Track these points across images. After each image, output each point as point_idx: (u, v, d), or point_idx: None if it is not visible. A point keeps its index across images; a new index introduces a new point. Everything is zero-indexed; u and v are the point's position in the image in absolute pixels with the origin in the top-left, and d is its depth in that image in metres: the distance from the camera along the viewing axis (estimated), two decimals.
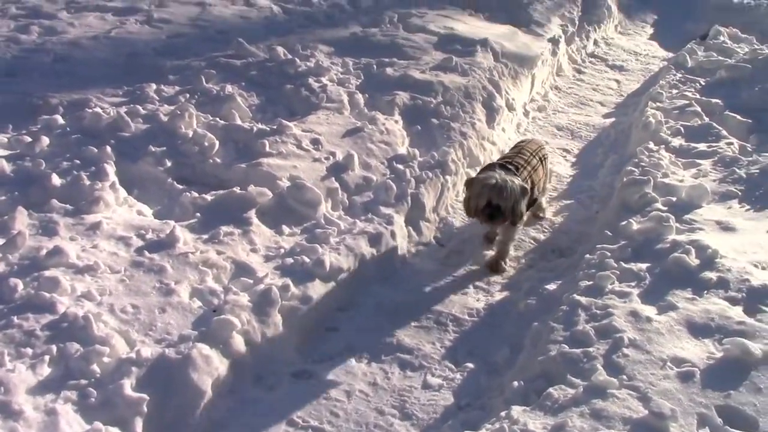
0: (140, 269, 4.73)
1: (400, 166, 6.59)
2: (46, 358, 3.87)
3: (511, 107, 9.07)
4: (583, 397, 3.64)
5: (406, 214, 6.20)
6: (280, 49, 8.85)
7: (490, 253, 5.91)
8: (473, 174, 5.95)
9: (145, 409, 3.73)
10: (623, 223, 5.46)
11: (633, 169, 6.53)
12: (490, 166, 5.48)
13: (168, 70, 8.56)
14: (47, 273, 4.45)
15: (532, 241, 6.20)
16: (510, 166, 5.41)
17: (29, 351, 3.90)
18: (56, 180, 5.64)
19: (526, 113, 9.69)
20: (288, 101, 7.75)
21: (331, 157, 6.55)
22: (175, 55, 9.05)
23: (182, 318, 4.38)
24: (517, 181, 5.20)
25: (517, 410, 3.64)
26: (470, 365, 4.63)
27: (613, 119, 9.86)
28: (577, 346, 4.09)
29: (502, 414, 3.66)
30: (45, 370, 3.81)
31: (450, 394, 4.38)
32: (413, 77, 8.48)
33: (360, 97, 7.85)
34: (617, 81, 12.01)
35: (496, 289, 5.54)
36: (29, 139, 6.35)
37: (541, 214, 6.52)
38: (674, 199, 5.83)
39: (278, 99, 7.77)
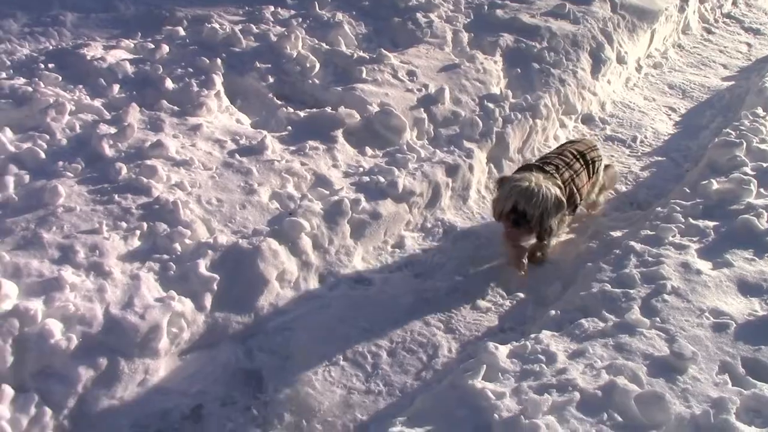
0: (229, 169, 5.27)
1: (491, 105, 6.81)
2: (137, 232, 4.48)
3: (621, 60, 8.98)
4: (611, 330, 3.86)
5: (489, 151, 6.44)
6: None
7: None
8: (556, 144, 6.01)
9: (215, 287, 4.27)
10: (704, 182, 5.49)
11: (730, 131, 6.48)
12: (528, 167, 4.88)
13: None
14: (148, 162, 5.07)
15: (612, 192, 6.30)
16: (548, 167, 4.85)
17: (124, 225, 4.53)
18: (169, 84, 6.28)
19: (638, 68, 9.55)
20: (393, 33, 8.07)
21: (424, 89, 6.84)
22: None
23: (259, 215, 4.89)
24: (554, 190, 4.56)
25: (546, 334, 3.91)
26: (521, 295, 4.90)
27: (732, 83, 9.55)
28: (620, 287, 4.29)
29: (532, 336, 3.95)
30: (135, 243, 4.43)
31: (496, 318, 4.69)
32: (522, 20, 8.57)
33: (464, 36, 8.05)
34: (748, 44, 11.52)
35: (563, 230, 5.72)
36: (152, 47, 7.02)
37: (592, 211, 5.87)
38: (765, 165, 5.78)
39: (384, 30, 8.10)
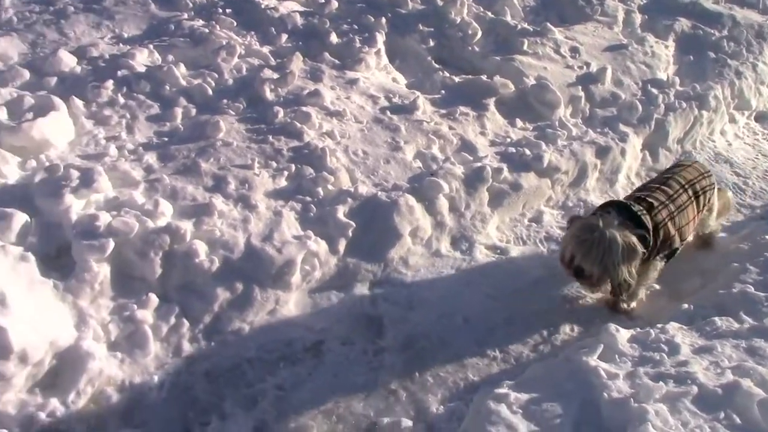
0: (379, 124, 5.43)
1: (654, 90, 6.55)
2: (285, 173, 4.74)
3: None
4: (746, 333, 3.67)
5: (646, 137, 6.22)
6: None
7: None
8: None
9: (350, 233, 4.45)
10: None
11: None
12: (611, 204, 4.06)
13: None
14: (304, 108, 5.32)
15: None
16: (638, 206, 3.98)
17: (274, 164, 4.80)
18: (334, 38, 6.53)
19: None
20: (561, 8, 7.92)
21: (585, 67, 6.70)
22: None
23: (401, 171, 5.02)
24: (624, 240, 3.71)
25: (673, 325, 3.78)
26: (656, 286, 4.74)
27: None
28: (764, 291, 4.06)
29: (658, 325, 3.84)
30: (281, 182, 4.69)
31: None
32: (703, 6, 8.15)
33: (637, 17, 7.77)
34: None
35: None
36: (322, 1, 7.29)
37: (708, 241, 4.99)
38: None
39: (553, 5, 7.97)
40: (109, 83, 5.46)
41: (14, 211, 3.95)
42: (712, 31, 7.73)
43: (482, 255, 4.84)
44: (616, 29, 7.54)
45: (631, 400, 3.02)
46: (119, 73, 5.62)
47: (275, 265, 4.08)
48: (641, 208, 3.94)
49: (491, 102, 5.95)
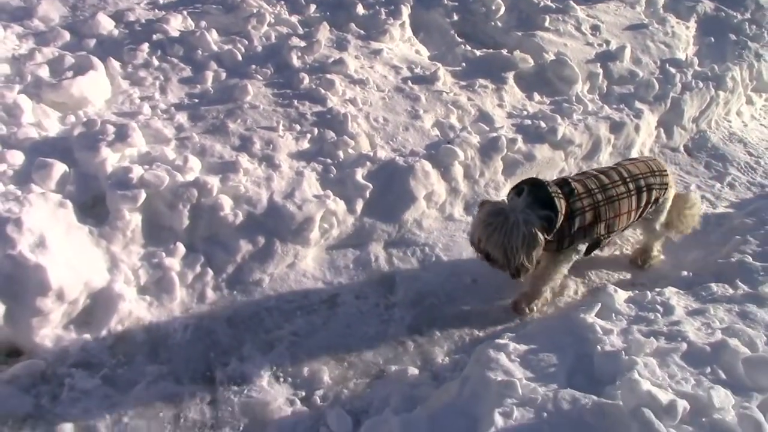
0: (400, 94, 5.60)
1: (672, 69, 6.64)
2: (308, 136, 4.94)
3: None
4: (739, 298, 3.83)
5: (662, 115, 6.32)
6: None
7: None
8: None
9: (368, 195, 4.64)
10: None
11: None
12: (530, 182, 3.78)
13: None
14: (329, 76, 5.50)
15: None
16: (564, 188, 3.81)
17: (297, 127, 5.00)
18: (360, 9, 6.68)
19: None
20: None
21: (605, 45, 6.79)
22: None
23: (419, 139, 5.19)
24: (531, 226, 3.56)
25: (671, 290, 3.94)
26: (662, 257, 4.88)
27: None
28: (762, 261, 4.20)
29: (656, 289, 3.99)
30: (304, 144, 4.88)
31: (629, 274, 4.71)
32: None
33: None
34: None
35: (722, 204, 5.58)
36: None
37: (644, 264, 4.69)
38: None
39: None
40: (145, 46, 5.68)
41: (54, 162, 4.19)
42: (735, 14, 7.76)
43: None
44: (638, 9, 7.60)
45: (623, 353, 3.19)
46: (154, 37, 5.84)
47: (295, 222, 4.28)
48: (558, 191, 3.73)
49: (510, 76, 6.08)
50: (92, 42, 5.74)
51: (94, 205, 4.21)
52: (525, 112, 5.79)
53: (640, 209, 4.12)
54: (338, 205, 4.49)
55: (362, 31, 6.35)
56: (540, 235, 3.57)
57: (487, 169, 5.14)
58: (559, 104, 5.95)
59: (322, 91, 5.32)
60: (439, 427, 2.97)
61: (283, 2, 6.85)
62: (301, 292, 4.19)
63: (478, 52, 6.41)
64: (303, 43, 5.88)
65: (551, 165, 5.49)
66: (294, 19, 6.49)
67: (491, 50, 6.46)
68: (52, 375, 3.52)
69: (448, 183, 4.95)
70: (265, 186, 4.43)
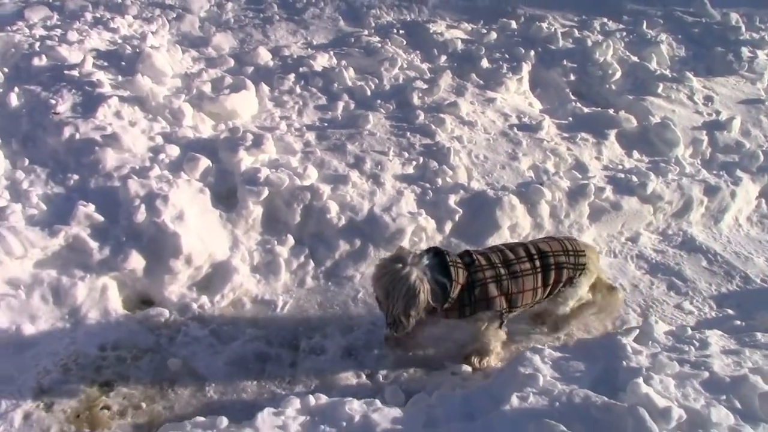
0: (504, 137, 6.14)
1: None
2: (414, 162, 5.57)
3: None
4: None
5: (764, 186, 6.38)
6: (734, 16, 9.12)
7: None
8: None
9: (457, 218, 5.16)
10: None
11: None
12: (434, 249, 3.80)
13: (626, 11, 9.63)
14: (441, 115, 6.15)
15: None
16: (465, 258, 3.84)
17: (406, 154, 5.66)
18: (485, 63, 7.33)
19: None
20: (710, 61, 8.22)
21: (714, 115, 6.99)
22: (638, 2, 10.04)
23: (513, 177, 5.68)
24: (418, 285, 3.54)
25: (714, 332, 4.11)
26: (729, 311, 5.02)
27: None
28: None
29: (703, 329, 4.23)
30: (409, 169, 5.52)
31: (693, 321, 4.91)
32: None
33: None
34: None
35: None
36: (484, 32, 8.13)
37: (557, 326, 4.49)
38: None
39: (702, 57, 8.31)
40: (291, 76, 6.60)
41: (202, 157, 5.08)
42: None
43: None
44: (759, 85, 7.73)
45: (643, 369, 3.52)
46: (301, 69, 6.76)
47: (389, 231, 4.89)
48: (458, 260, 3.77)
49: (612, 133, 6.44)
50: (250, 69, 6.74)
51: (227, 195, 5.04)
52: (621, 167, 6.13)
53: (548, 287, 3.98)
54: (429, 223, 5.05)
55: (481, 81, 6.97)
56: (422, 296, 3.56)
57: (572, 212, 5.52)
58: (657, 163, 6.23)
59: (433, 127, 5.96)
60: (469, 403, 3.43)
61: (418, 51, 7.63)
62: None
63: (586, 110, 6.83)
64: (425, 86, 6.58)
65: (638, 217, 5.77)
66: (424, 66, 7.22)
67: (599, 108, 6.86)
68: (172, 322, 4.29)
69: (533, 218, 5.39)
70: (369, 198, 5.08)
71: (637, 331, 3.97)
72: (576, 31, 8.36)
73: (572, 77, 7.40)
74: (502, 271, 3.83)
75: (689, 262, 5.60)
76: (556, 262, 3.95)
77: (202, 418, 3.26)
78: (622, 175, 5.94)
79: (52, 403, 3.65)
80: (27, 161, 5.05)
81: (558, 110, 6.95)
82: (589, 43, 7.90)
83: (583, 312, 4.34)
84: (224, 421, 3.20)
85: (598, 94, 7.31)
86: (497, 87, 6.87)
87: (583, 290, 4.13)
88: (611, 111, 6.73)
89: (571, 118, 6.70)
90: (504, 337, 4.08)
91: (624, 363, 3.63)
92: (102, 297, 4.26)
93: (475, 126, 6.18)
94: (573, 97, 7.14)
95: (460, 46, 7.73)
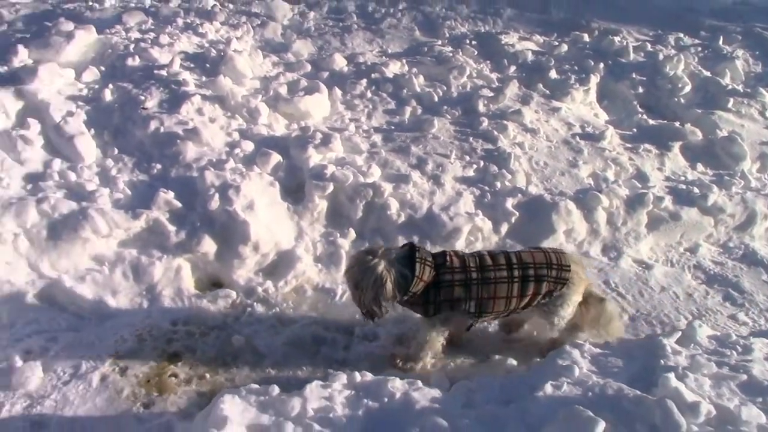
0: (566, 145, 6.24)
1: None
2: (474, 166, 5.74)
3: None
4: None
5: None
6: None
7: None
8: None
9: (513, 221, 5.30)
10: None
11: None
12: (409, 245, 3.89)
13: (704, 27, 9.54)
14: (505, 122, 6.30)
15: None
16: (438, 258, 3.86)
17: (467, 158, 5.84)
18: (553, 74, 7.43)
19: None
20: None
21: None
22: (718, 18, 9.91)
23: (571, 183, 5.77)
24: (384, 275, 3.67)
25: (761, 339, 4.11)
26: None
27: None
28: None
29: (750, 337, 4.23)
30: (469, 172, 5.69)
31: (746, 331, 4.86)
32: None
33: None
34: None
35: None
36: (556, 44, 8.22)
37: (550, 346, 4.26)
38: None
39: None
40: (363, 81, 6.88)
41: (273, 153, 5.40)
42: None
43: (627, 265, 5.40)
44: None
45: (679, 367, 3.59)
46: (373, 75, 7.03)
47: (446, 229, 5.07)
48: (428, 259, 3.81)
49: (677, 145, 6.45)
50: (326, 74, 7.05)
51: (295, 189, 5.33)
52: (683, 178, 6.13)
53: (525, 298, 3.91)
54: (485, 224, 5.20)
55: (548, 91, 7.07)
56: (389, 285, 3.67)
57: (630, 220, 5.57)
58: (721, 177, 6.20)
59: (496, 133, 6.11)
60: (506, 389, 3.57)
61: (488, 61, 7.80)
62: None
63: (651, 122, 6.85)
64: (491, 94, 6.74)
65: (698, 228, 5.76)
66: (493, 75, 7.39)
67: (664, 121, 6.86)
68: (239, 304, 4.57)
69: (589, 224, 5.47)
70: (428, 198, 5.28)
71: (680, 333, 4.02)
72: (649, 45, 8.36)
73: (641, 90, 7.41)
74: (474, 275, 3.83)
75: (749, 275, 5.56)
76: (536, 274, 3.90)
77: (256, 386, 3.51)
78: (684, 187, 5.94)
79: (126, 368, 3.97)
80: (116, 150, 5.48)
81: (624, 121, 6.99)
82: (661, 57, 7.89)
83: (573, 332, 4.26)
84: (276, 389, 3.43)
85: (666, 107, 7.30)
86: (563, 97, 6.96)
87: (573, 302, 4.06)
88: (677, 124, 6.73)
89: (635, 129, 6.73)
90: (438, 347, 4.08)
91: (662, 362, 3.69)
92: (176, 277, 4.59)
93: (537, 133, 6.30)
94: (640, 110, 7.17)
95: (530, 57, 7.86)
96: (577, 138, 6.36)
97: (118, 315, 4.36)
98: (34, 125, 5.51)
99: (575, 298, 4.05)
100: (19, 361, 3.86)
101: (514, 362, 4.28)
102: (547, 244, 5.27)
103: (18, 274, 4.37)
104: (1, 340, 4.07)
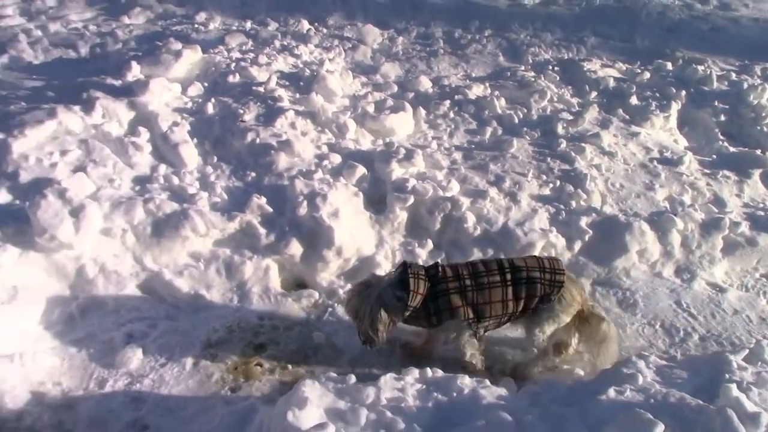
0: (643, 169, 6.31)
1: None
2: (550, 185, 5.89)
3: None
4: None
5: None
6: None
7: None
8: None
9: (587, 239, 5.38)
10: None
11: None
12: (404, 264, 4.02)
13: None
14: (583, 144, 6.44)
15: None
16: (431, 271, 4.02)
17: (544, 177, 6.00)
18: (633, 100, 7.53)
19: None
20: None
21: None
22: None
23: (646, 205, 5.84)
24: (379, 304, 3.87)
25: None
26: None
27: None
28: None
29: None
30: (545, 191, 5.82)
31: None
32: None
33: None
34: None
35: None
36: (638, 71, 8.26)
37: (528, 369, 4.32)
38: None
39: None
40: (447, 102, 7.15)
41: (359, 165, 5.71)
42: None
43: (700, 287, 5.37)
44: None
45: (744, 381, 3.64)
46: (456, 97, 7.29)
47: (520, 244, 5.22)
48: (421, 273, 3.96)
49: (757, 172, 6.39)
50: (411, 94, 7.35)
51: (378, 200, 5.60)
52: (762, 205, 6.08)
53: (520, 300, 4.02)
54: (559, 241, 5.33)
55: (627, 116, 7.15)
56: (382, 313, 3.87)
57: (704, 243, 5.57)
58: None
59: (573, 154, 6.25)
60: (571, 392, 3.71)
61: (570, 87, 7.93)
62: None
63: (732, 149, 6.82)
64: (571, 117, 6.88)
65: None
66: (574, 100, 7.52)
67: (745, 149, 6.83)
68: (321, 303, 4.84)
69: (663, 246, 5.51)
70: (504, 213, 5.45)
71: (747, 351, 4.06)
72: (734, 74, 8.31)
73: (723, 118, 7.39)
74: (468, 282, 3.97)
75: None
76: (528, 276, 4.00)
77: (334, 374, 3.77)
78: (762, 213, 5.91)
79: (216, 355, 4.30)
80: (215, 158, 5.92)
81: (704, 148, 6.98)
82: (745, 86, 7.83)
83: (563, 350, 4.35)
84: (353, 378, 3.68)
85: (748, 136, 7.25)
86: (643, 122, 7.03)
87: (560, 319, 4.09)
88: (758, 151, 6.68)
89: (715, 156, 6.72)
90: (477, 345, 4.14)
91: (726, 375, 3.75)
92: (265, 276, 4.92)
93: (615, 156, 6.39)
94: (721, 137, 7.15)
95: (611, 83, 7.95)
96: (655, 162, 6.41)
97: (210, 307, 4.71)
98: (144, 133, 6.03)
99: (564, 317, 4.09)
100: (121, 344, 4.27)
101: (581, 372, 4.39)
102: (619, 263, 5.34)
103: (124, 266, 4.80)
104: (107, 323, 4.49)
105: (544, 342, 4.17)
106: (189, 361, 4.24)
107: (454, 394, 3.62)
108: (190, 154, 5.86)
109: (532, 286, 3.99)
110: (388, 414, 3.39)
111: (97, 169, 5.44)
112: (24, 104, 6.55)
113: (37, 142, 5.65)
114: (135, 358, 4.18)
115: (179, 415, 3.90)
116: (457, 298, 3.94)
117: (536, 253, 5.22)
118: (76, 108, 6.10)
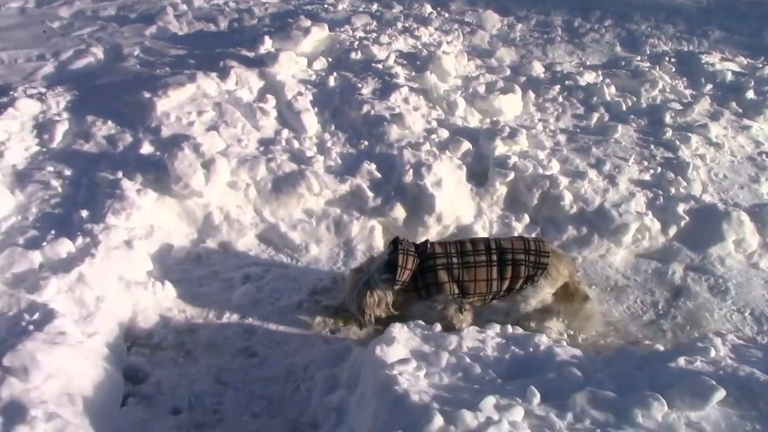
0: (750, 162, 6.31)
1: None
2: (651, 171, 5.93)
3: None
4: None
5: None
6: None
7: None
8: None
9: (683, 224, 5.43)
10: None
11: None
12: (395, 240, 4.25)
13: None
14: (689, 134, 6.40)
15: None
16: (420, 247, 4.23)
17: (645, 163, 6.01)
18: (750, 94, 7.33)
19: None
20: None
21: None
22: None
23: (749, 197, 5.81)
24: (366, 288, 4.14)
25: None
26: None
27: None
28: None
29: None
30: (645, 177, 5.88)
31: None
32: None
33: None
34: None
35: None
36: (759, 66, 8.03)
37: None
38: None
39: None
40: (557, 87, 7.27)
41: (464, 140, 5.98)
42: None
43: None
44: None
45: None
46: (566, 83, 7.39)
47: (615, 224, 5.32)
48: (411, 249, 4.17)
49: None
50: (523, 78, 7.52)
51: (480, 174, 5.85)
52: None
53: (505, 281, 4.19)
54: (654, 224, 5.39)
55: (740, 110, 7.00)
56: (368, 298, 4.14)
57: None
58: None
59: (678, 143, 6.24)
60: (644, 360, 3.86)
61: (685, 79, 7.84)
62: (603, 275, 5.22)
63: None
64: (680, 107, 6.84)
65: None
66: (687, 92, 7.44)
67: None
68: None
69: (762, 237, 5.45)
70: (601, 194, 5.58)
71: None
72: None
73: None
74: (455, 260, 4.16)
75: None
76: (513, 258, 4.16)
77: (422, 322, 4.09)
78: None
79: (320, 301, 4.73)
80: (333, 127, 6.36)
81: None
82: None
83: (546, 317, 4.52)
84: (438, 327, 3.99)
85: None
86: (756, 116, 6.88)
87: (544, 292, 4.31)
88: None
89: None
90: (468, 319, 4.33)
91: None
92: (369, 235, 5.31)
93: (721, 147, 6.34)
94: None
95: (729, 77, 7.77)
96: (764, 156, 6.30)
97: (319, 260, 5.17)
98: (271, 100, 6.57)
99: (549, 290, 4.31)
100: (239, 283, 4.79)
101: (661, 347, 4.49)
102: (714, 250, 5.35)
103: (245, 216, 5.34)
104: (228, 264, 5.03)
105: (527, 311, 4.42)
106: (294, 302, 4.70)
107: (531, 350, 3.86)
108: (311, 121, 6.33)
109: (516, 267, 4.18)
110: (467, 360, 3.68)
111: (227, 129, 6.01)
112: (168, 69, 7.27)
113: (177, 102, 6.30)
114: (250, 296, 4.68)
115: (284, 348, 4.37)
116: (444, 273, 4.15)
117: (630, 234, 5.33)
118: (213, 75, 6.73)
